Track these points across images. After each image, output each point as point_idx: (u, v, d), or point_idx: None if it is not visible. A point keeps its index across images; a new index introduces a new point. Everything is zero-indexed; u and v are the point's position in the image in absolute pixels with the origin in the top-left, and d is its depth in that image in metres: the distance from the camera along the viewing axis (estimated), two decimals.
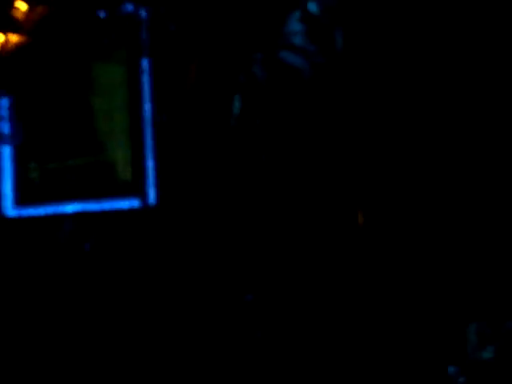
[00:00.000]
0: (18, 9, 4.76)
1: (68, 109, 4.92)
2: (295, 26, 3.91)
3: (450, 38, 3.88)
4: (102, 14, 4.82)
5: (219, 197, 4.44)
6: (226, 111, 4.49)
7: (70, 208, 4.77)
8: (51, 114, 4.95)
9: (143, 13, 4.74)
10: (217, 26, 4.48)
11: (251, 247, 4.30)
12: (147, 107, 4.69)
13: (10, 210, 4.93)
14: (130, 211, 4.69)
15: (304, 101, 4.09)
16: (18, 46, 4.80)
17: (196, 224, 4.46)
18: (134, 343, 4.40)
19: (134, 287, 4.51)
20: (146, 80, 4.71)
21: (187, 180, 4.54)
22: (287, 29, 4.02)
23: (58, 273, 4.68)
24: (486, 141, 3.84)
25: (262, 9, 4.30)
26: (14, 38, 4.78)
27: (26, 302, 4.68)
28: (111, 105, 4.84)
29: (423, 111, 3.95)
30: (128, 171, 4.76)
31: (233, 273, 4.30)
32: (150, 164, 4.65)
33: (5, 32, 4.79)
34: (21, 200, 4.93)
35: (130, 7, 4.80)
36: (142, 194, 4.66)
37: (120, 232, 4.65)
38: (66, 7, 4.81)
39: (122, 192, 4.73)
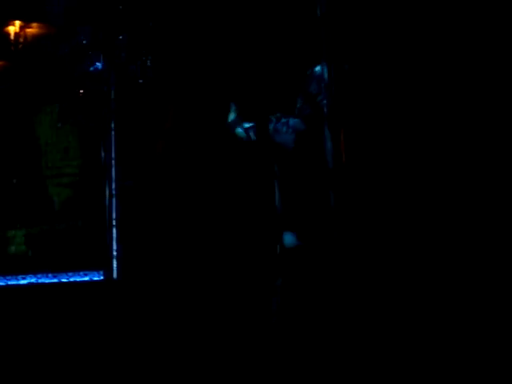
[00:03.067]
0: None
1: (22, 172, 4.57)
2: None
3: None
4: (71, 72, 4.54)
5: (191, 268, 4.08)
6: (201, 177, 4.17)
7: (25, 281, 4.36)
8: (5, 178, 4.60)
9: (113, 71, 4.43)
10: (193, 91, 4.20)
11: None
12: (113, 172, 4.33)
13: None
14: (91, 285, 4.29)
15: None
16: None
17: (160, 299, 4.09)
18: None
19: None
20: (112, 143, 4.36)
21: (152, 251, 4.17)
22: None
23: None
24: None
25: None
26: None
27: None
28: (72, 169, 4.49)
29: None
30: (89, 242, 4.37)
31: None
32: (114, 234, 4.26)
33: None
34: None
35: (99, 65, 4.51)
36: (104, 266, 4.26)
37: (77, 308, 4.24)
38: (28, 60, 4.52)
39: (81, 265, 4.33)
